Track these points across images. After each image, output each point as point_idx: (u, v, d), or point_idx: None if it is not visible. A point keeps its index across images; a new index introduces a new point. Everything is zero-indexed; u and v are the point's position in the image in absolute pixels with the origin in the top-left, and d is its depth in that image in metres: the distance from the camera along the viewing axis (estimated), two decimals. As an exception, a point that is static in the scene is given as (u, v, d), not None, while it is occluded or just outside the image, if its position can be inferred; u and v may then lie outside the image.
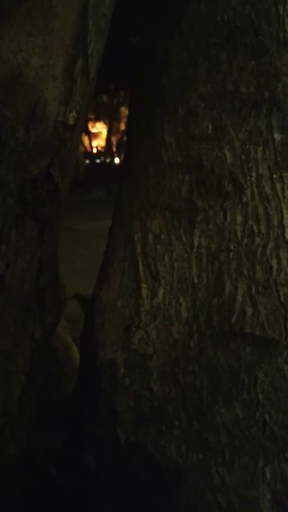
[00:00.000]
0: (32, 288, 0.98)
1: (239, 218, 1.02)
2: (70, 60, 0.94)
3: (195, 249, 1.02)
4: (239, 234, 1.01)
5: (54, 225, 1.00)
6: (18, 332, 0.99)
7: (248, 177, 1.04)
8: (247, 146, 1.06)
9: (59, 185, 0.96)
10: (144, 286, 1.02)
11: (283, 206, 1.03)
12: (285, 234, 1.01)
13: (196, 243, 1.02)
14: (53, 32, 0.91)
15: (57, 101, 0.92)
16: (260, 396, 0.91)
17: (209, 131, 1.07)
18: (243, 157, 1.05)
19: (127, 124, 1.30)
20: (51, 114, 0.92)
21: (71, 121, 0.95)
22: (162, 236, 1.04)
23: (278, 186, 1.04)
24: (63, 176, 0.97)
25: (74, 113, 0.95)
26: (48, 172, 0.94)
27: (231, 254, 1.00)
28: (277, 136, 1.07)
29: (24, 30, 0.89)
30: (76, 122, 0.97)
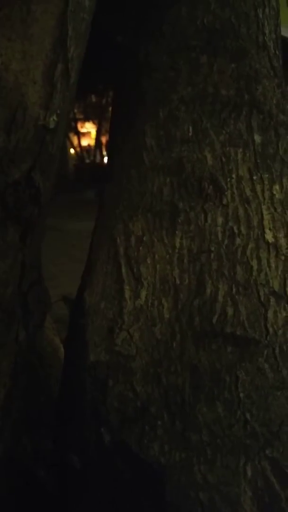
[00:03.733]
0: (15, 292, 0.98)
1: (220, 220, 1.03)
2: (50, 64, 0.94)
3: (176, 251, 1.03)
4: (219, 235, 1.02)
5: (36, 229, 1.00)
6: (1, 335, 0.99)
7: (228, 179, 1.05)
8: (228, 148, 1.07)
9: (41, 188, 0.97)
10: (127, 287, 1.03)
11: (263, 207, 1.04)
12: (265, 234, 1.02)
13: (177, 245, 1.03)
14: (32, 37, 0.92)
15: (37, 105, 0.93)
16: (241, 395, 0.93)
17: (190, 134, 1.08)
18: (223, 159, 1.06)
19: (110, 126, 1.31)
20: (31, 118, 0.92)
21: (51, 125, 0.96)
22: (145, 238, 1.05)
23: (258, 187, 1.05)
24: (45, 180, 0.98)
25: (54, 117, 0.96)
26: (30, 176, 0.94)
27: (212, 255, 1.01)
28: (257, 138, 1.09)
29: (4, 35, 0.89)
30: (57, 125, 0.97)
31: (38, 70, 0.92)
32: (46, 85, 0.93)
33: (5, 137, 0.90)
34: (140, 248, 1.05)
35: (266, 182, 1.06)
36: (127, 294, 1.02)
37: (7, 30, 0.89)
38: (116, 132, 1.23)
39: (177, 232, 1.04)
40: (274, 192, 1.06)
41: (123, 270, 1.04)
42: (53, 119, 0.95)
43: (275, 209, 1.05)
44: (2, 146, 0.90)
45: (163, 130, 1.10)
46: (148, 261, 1.03)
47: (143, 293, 1.02)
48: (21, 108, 0.91)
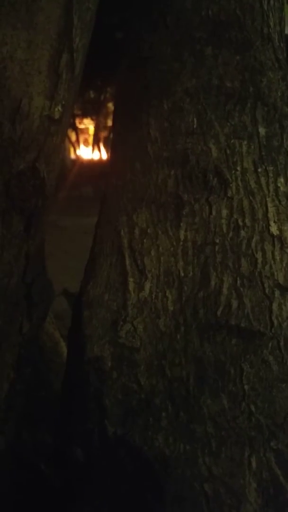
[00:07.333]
0: (19, 283, 0.98)
1: (225, 212, 1.03)
2: (55, 54, 0.93)
3: (181, 243, 1.03)
4: (224, 227, 1.02)
5: (40, 220, 1.00)
6: (5, 327, 0.99)
7: (233, 171, 1.05)
8: (232, 140, 1.07)
9: (45, 179, 0.96)
10: (131, 280, 1.03)
11: (268, 199, 1.04)
12: (270, 227, 1.02)
13: (182, 237, 1.03)
14: (38, 26, 0.91)
15: (42, 96, 0.92)
16: (246, 387, 0.93)
17: (195, 126, 1.08)
18: (228, 151, 1.06)
19: (113, 119, 1.30)
20: (36, 108, 0.92)
21: (56, 115, 0.95)
22: (149, 230, 1.05)
23: (262, 180, 1.05)
24: (49, 171, 0.97)
25: (59, 107, 0.95)
26: (34, 167, 0.94)
27: (217, 247, 1.01)
28: (261, 130, 1.08)
29: (9, 23, 0.88)
30: (61, 116, 0.97)
31: (43, 59, 0.92)
32: (52, 75, 0.93)
33: (10, 127, 0.89)
34: (144, 240, 1.04)
35: (271, 175, 1.06)
36: (131, 286, 1.02)
37: (12, 18, 0.88)
38: (119, 124, 1.22)
39: (181, 224, 1.03)
40: (279, 185, 1.06)
41: (127, 262, 1.04)
42: (58, 110, 0.95)
43: (280, 202, 1.04)
44: (7, 136, 0.89)
45: (167, 121, 1.09)
46: (152, 253, 1.03)
47: (147, 285, 1.02)
48: (26, 98, 0.90)
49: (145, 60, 1.17)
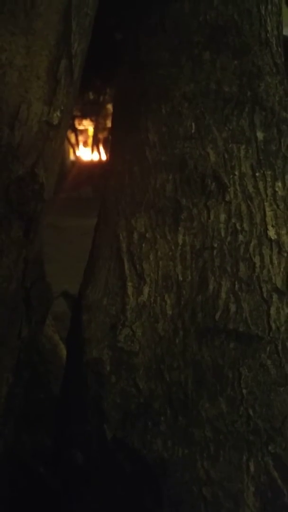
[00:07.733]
0: (18, 287, 0.98)
1: (223, 216, 1.03)
2: (54, 59, 0.94)
3: (179, 247, 1.03)
4: (222, 232, 1.02)
5: (39, 224, 1.00)
6: (4, 331, 0.99)
7: (231, 176, 1.05)
8: (230, 145, 1.07)
9: (44, 184, 0.96)
10: (130, 284, 1.03)
11: (266, 204, 1.04)
12: (268, 231, 1.02)
13: (180, 241, 1.03)
14: (36, 32, 0.91)
15: (41, 101, 0.93)
16: (244, 391, 0.93)
17: (193, 130, 1.08)
18: (226, 155, 1.06)
19: (112, 122, 1.31)
20: (35, 114, 0.92)
21: (55, 121, 0.96)
22: (147, 235, 1.05)
23: (260, 184, 1.05)
24: (48, 176, 0.98)
25: (58, 113, 0.96)
26: (33, 172, 0.94)
27: (215, 251, 1.01)
28: (259, 135, 1.09)
29: (7, 29, 0.89)
30: (60, 121, 0.97)
31: (42, 65, 0.92)
32: (50, 81, 0.93)
33: (9, 133, 0.90)
34: (143, 244, 1.05)
35: (268, 179, 1.06)
36: (129, 290, 1.03)
37: (11, 24, 0.88)
38: (118, 128, 1.23)
39: (179, 228, 1.04)
40: (277, 189, 1.06)
41: (126, 266, 1.04)
42: (57, 115, 0.95)
43: (278, 206, 1.05)
44: (6, 142, 0.90)
45: (165, 126, 1.10)
46: (151, 257, 1.04)
47: (146, 290, 1.02)
48: (25, 103, 0.91)
49: (144, 64, 1.17)
